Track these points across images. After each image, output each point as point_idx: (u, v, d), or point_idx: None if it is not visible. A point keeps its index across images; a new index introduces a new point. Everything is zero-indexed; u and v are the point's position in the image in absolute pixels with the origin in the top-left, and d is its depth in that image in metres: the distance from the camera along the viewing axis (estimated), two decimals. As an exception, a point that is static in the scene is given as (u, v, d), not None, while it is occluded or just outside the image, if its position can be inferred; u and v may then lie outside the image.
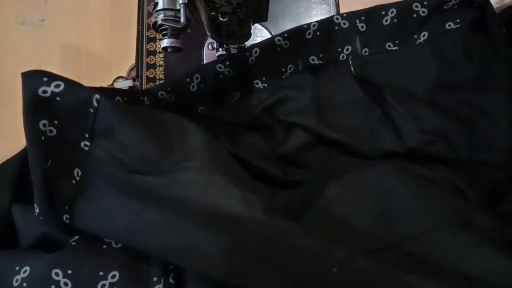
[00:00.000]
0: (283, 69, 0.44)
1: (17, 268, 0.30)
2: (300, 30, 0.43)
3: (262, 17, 0.39)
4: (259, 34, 0.49)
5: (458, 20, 0.42)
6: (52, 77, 0.31)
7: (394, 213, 0.32)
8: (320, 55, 0.43)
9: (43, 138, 0.30)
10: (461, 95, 0.40)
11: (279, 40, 0.42)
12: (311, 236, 0.30)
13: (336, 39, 0.43)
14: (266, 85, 0.44)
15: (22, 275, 0.30)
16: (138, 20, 0.49)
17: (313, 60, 0.43)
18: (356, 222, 0.32)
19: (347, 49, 0.43)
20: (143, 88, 0.48)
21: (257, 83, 0.44)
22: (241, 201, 0.30)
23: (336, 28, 0.43)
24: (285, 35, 0.42)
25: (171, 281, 0.31)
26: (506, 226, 0.34)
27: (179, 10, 0.33)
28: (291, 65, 0.44)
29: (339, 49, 0.43)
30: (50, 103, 0.30)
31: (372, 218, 0.32)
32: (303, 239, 0.30)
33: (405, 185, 0.33)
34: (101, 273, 0.30)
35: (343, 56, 0.44)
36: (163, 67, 0.48)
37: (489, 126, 0.39)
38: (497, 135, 0.37)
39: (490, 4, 0.41)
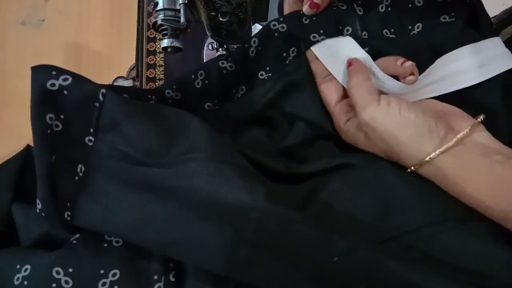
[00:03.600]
0: (285, 54, 0.43)
1: (18, 266, 0.30)
2: (296, 12, 0.41)
3: (262, 17, 0.39)
4: (259, 34, 0.49)
5: (453, 14, 0.42)
6: (61, 71, 0.31)
7: (394, 207, 0.32)
8: (321, 31, 0.42)
9: (49, 131, 0.30)
10: None
11: (274, 25, 0.41)
12: (313, 225, 0.30)
13: (336, 19, 0.42)
14: (270, 74, 0.43)
15: (23, 273, 0.30)
16: (138, 20, 0.49)
17: (314, 37, 0.42)
18: (356, 216, 0.33)
19: (348, 30, 0.42)
20: (143, 88, 0.48)
21: (261, 74, 0.43)
22: (244, 190, 0.31)
23: (334, 8, 0.42)
24: (280, 19, 0.41)
25: (172, 279, 0.31)
26: None
27: (179, 10, 0.34)
28: (294, 48, 0.43)
29: (340, 28, 0.42)
30: (58, 96, 0.31)
31: (372, 212, 0.33)
32: (305, 228, 0.30)
33: (404, 180, 0.34)
34: (102, 272, 0.30)
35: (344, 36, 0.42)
36: (163, 67, 0.48)
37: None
38: (493, 129, 0.37)
39: (481, 3, 0.41)
